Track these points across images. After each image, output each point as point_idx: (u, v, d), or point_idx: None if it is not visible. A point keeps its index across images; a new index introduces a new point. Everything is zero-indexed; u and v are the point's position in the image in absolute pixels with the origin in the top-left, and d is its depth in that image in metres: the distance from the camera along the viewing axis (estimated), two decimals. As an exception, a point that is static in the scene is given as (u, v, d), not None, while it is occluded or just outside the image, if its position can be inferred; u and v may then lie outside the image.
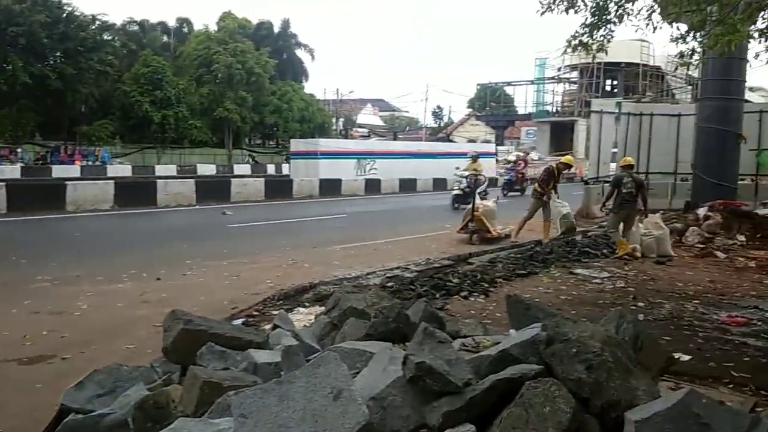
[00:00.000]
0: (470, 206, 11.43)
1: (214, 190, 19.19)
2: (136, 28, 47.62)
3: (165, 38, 50.54)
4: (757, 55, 7.14)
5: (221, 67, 41.64)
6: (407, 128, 76.14)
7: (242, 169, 39.00)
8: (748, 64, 11.83)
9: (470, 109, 67.29)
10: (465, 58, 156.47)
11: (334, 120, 59.41)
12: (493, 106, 61.53)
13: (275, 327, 3.78)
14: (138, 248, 10.09)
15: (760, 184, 15.00)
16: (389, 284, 7.09)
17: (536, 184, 11.61)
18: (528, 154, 40.91)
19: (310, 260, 9.01)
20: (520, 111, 57.81)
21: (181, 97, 41.41)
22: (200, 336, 3.21)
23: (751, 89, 24.03)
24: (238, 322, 5.70)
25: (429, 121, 73.17)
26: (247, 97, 43.06)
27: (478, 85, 68.09)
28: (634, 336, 2.53)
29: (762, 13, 7.07)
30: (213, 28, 47.08)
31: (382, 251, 10.12)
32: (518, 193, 23.24)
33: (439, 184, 27.76)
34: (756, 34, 7.10)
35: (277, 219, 14.53)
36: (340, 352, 2.51)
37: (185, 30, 50.25)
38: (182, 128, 41.69)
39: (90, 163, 35.59)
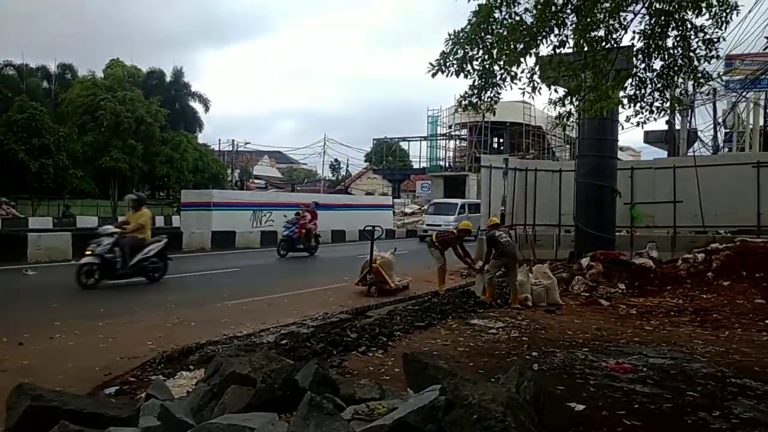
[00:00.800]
0: (368, 258, 11.33)
1: (94, 243, 17.73)
2: (13, 72, 44.47)
3: (45, 84, 47.56)
4: (628, 119, 7.73)
5: (108, 115, 39.61)
6: (305, 180, 76.18)
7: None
8: (619, 125, 12.87)
9: (367, 163, 68.62)
10: (362, 112, 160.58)
11: (229, 171, 58.12)
12: (389, 160, 63.20)
13: (149, 396, 3.34)
14: (-1, 309, 8.95)
15: (635, 236, 16.18)
16: (283, 342, 6.72)
17: (435, 240, 11.54)
18: (422, 207, 42.00)
19: (198, 318, 8.40)
20: (415, 165, 59.90)
21: (62, 145, 38.77)
22: (52, 413, 2.73)
23: (621, 149, 26.33)
24: (111, 391, 5.13)
25: (327, 174, 73.66)
26: (137, 147, 41.14)
27: (374, 140, 69.87)
28: (535, 394, 2.43)
29: (630, 80, 7.70)
30: (99, 75, 45.05)
31: (277, 306, 9.68)
32: (305, 254, 18.77)
33: (338, 236, 27.62)
34: (625, 100, 7.69)
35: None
36: (215, 428, 2.17)
37: (68, 76, 47.64)
38: (62, 178, 38.84)
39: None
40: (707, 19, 6.92)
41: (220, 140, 61.85)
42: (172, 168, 45.31)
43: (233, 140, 61.14)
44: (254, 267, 16.36)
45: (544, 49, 7.17)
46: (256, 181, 66.35)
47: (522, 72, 7.29)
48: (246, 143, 64.17)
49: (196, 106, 52.69)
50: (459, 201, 31.00)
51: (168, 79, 50.66)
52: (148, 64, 53.98)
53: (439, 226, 22.72)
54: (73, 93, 42.53)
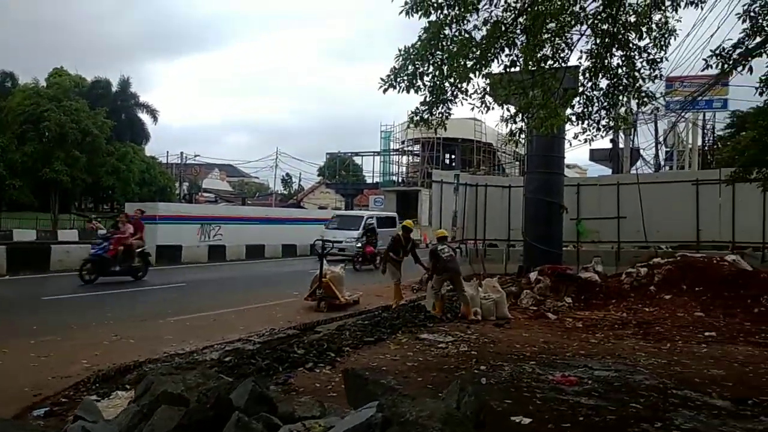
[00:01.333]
0: (318, 272, 11.17)
1: (32, 258, 16.91)
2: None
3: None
4: (576, 136, 7.90)
5: (52, 126, 38.06)
6: (257, 194, 75.08)
7: (69, 234, 35.15)
8: (567, 142, 13.20)
9: (320, 177, 68.32)
10: (315, 126, 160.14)
11: (177, 184, 56.73)
12: (342, 175, 63.12)
13: (77, 418, 3.12)
14: None
15: (581, 250, 16.55)
16: (227, 359, 6.51)
17: (386, 253, 11.79)
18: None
19: (138, 335, 8.05)
20: (368, 180, 59.99)
21: (0, 155, 37.01)
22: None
23: (568, 166, 27.11)
24: (40, 412, 4.85)
25: (279, 188, 72.89)
26: (81, 158, 39.64)
27: (327, 154, 69.74)
28: (476, 410, 2.37)
29: (578, 98, 7.89)
30: (43, 84, 43.35)
31: (223, 322, 9.39)
32: (128, 277, 14.30)
33: (289, 250, 27.25)
34: (573, 118, 7.86)
35: (103, 290, 12.93)
36: (138, 452, 2.02)
37: (8, 84, 45.66)
38: (-1, 189, 37.04)
39: None
40: (648, 43, 7.18)
41: (168, 152, 60.25)
42: (118, 179, 43.89)
43: (182, 153, 59.87)
44: (200, 282, 15.94)
45: (496, 68, 7.28)
46: (206, 194, 65.01)
47: (473, 89, 7.39)
48: (195, 156, 62.92)
49: (144, 117, 51.39)
50: (365, 214, 28.30)
51: (114, 89, 49.24)
52: (95, 74, 52.18)
53: (341, 242, 20.84)
54: (13, 101, 40.73)
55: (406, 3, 6.41)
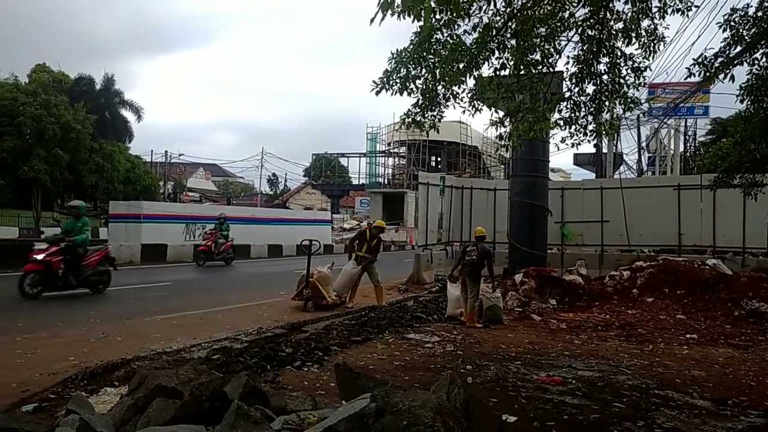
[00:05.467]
0: (305, 272, 11.18)
1: (13, 256, 16.70)
2: (-77, 74, 41.57)
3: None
4: (563, 140, 8.00)
5: (27, 121, 37.46)
6: (242, 194, 74.77)
7: (50, 232, 34.71)
8: (554, 146, 13.35)
9: (306, 178, 68.21)
10: (301, 126, 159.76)
11: (161, 183, 56.29)
12: (328, 176, 63.06)
13: (69, 412, 3.13)
14: None
15: (565, 253, 16.75)
16: (215, 357, 6.50)
17: (350, 242, 11.80)
18: (361, 222, 41.93)
19: (124, 333, 8.00)
20: (354, 181, 59.96)
21: (-23, 151, 36.40)
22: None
23: (552, 170, 27.38)
24: (29, 408, 4.82)
25: (265, 188, 72.63)
26: (62, 156, 39.10)
27: (313, 155, 69.65)
28: (465, 401, 2.44)
29: (565, 103, 8.00)
30: (24, 80, 42.76)
31: (209, 321, 9.36)
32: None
33: (275, 250, 27.19)
34: (561, 122, 7.98)
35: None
36: (138, 441, 2.05)
37: (-12, 80, 44.92)
38: (-24, 186, 36.43)
39: None
40: (636, 49, 7.32)
41: (152, 151, 59.95)
42: (102, 178, 43.42)
43: (166, 151, 59.39)
44: (186, 281, 15.85)
45: (486, 71, 7.38)
46: (190, 193, 64.58)
47: (463, 92, 7.47)
48: (180, 155, 62.54)
49: (128, 115, 50.78)
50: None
51: (98, 86, 48.63)
52: (79, 71, 51.52)
53: None
54: (-8, 97, 40.11)
55: (397, 6, 6.47)
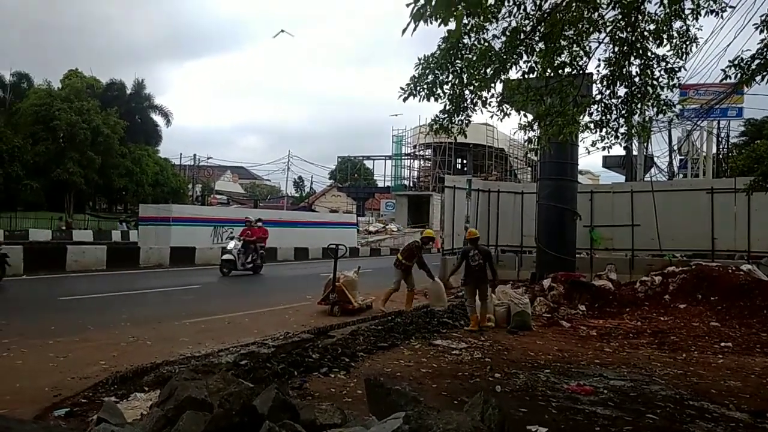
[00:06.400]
0: (332, 276, 11.19)
1: (48, 258, 17.12)
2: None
3: (0, 93, 46.09)
4: (594, 143, 7.87)
5: (62, 125, 38.45)
6: (269, 197, 75.44)
7: (83, 235, 35.53)
8: (585, 150, 13.18)
9: (332, 180, 68.55)
10: (326, 129, 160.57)
11: (190, 186, 57.15)
12: (354, 179, 63.28)
13: (99, 420, 3.16)
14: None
15: (594, 258, 16.46)
16: (243, 362, 6.52)
17: (399, 256, 11.85)
18: (386, 225, 41.94)
19: (154, 337, 8.11)
20: (380, 184, 60.17)
21: (15, 154, 37.45)
22: (-9, 442, 2.54)
23: (580, 172, 27.01)
24: (61, 412, 4.88)
25: (291, 191, 73.23)
26: (95, 159, 40.00)
27: (339, 157, 69.96)
28: (499, 423, 2.38)
29: (596, 106, 7.87)
30: (57, 85, 43.90)
31: (237, 325, 9.43)
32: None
33: (301, 253, 27.33)
34: (592, 125, 7.85)
35: (119, 290, 13.05)
36: (169, 458, 2.05)
37: (24, 85, 46.27)
38: (14, 189, 37.43)
39: None
40: (668, 50, 7.16)
41: (181, 154, 60.81)
42: (131, 181, 44.31)
43: (195, 155, 60.34)
44: (214, 284, 16.01)
45: (514, 75, 7.29)
46: (218, 196, 65.43)
47: (491, 96, 7.40)
48: (208, 158, 63.42)
49: (158, 119, 51.87)
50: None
51: (129, 91, 49.73)
52: (110, 76, 52.69)
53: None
54: (27, 102, 41.32)
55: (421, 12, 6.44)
